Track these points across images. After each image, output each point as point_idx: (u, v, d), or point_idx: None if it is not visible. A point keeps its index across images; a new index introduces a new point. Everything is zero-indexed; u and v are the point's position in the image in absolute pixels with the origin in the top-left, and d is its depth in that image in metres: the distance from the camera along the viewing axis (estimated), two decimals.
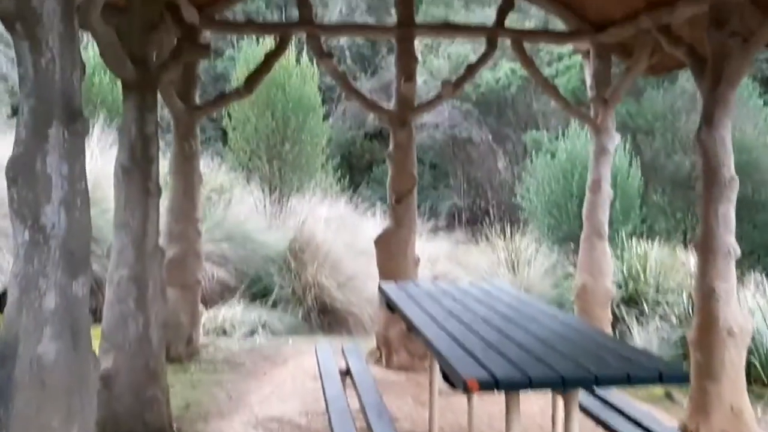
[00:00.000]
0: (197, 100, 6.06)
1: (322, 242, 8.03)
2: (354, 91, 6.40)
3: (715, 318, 4.50)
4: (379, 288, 4.59)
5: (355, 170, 19.76)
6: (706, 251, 4.57)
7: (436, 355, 2.95)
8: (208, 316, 6.78)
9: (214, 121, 14.17)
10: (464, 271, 11.59)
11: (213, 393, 5.07)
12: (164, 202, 6.11)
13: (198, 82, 6.08)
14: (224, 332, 6.60)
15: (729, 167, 4.60)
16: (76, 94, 2.61)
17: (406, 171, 6.23)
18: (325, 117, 18.39)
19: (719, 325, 4.50)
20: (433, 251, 13.29)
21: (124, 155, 4.24)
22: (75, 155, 2.59)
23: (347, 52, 23.14)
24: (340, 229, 11.33)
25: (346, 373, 4.24)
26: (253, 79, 6.14)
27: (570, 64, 17.26)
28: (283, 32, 6.18)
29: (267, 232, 8.66)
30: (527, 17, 18.20)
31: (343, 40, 23.09)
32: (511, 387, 2.51)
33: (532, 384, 2.48)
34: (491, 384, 2.45)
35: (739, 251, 4.62)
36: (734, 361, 4.54)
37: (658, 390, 6.38)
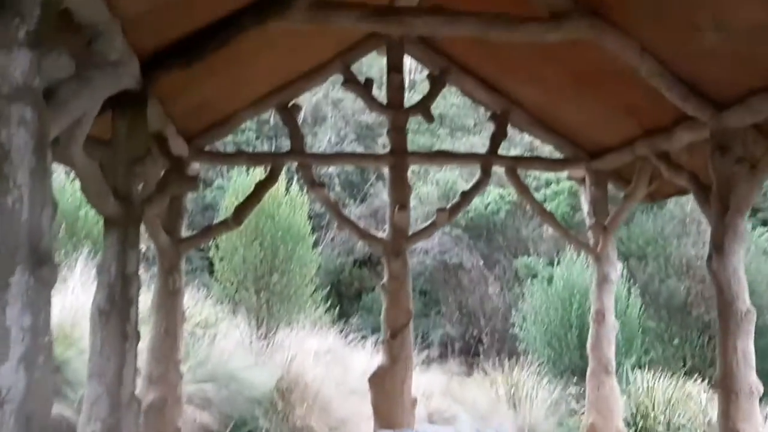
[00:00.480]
0: (183, 232, 5.83)
1: (311, 381, 7.58)
2: (346, 220, 6.23)
3: None
4: None
5: (344, 298, 19.39)
6: (728, 391, 4.24)
7: None
8: None
9: (201, 250, 13.93)
10: (462, 408, 11.02)
11: None
12: (144, 341, 5.75)
13: (184, 213, 5.88)
14: None
15: (744, 299, 4.35)
16: (45, 235, 2.34)
17: (401, 304, 5.94)
18: (315, 244, 18.32)
19: None
20: (427, 385, 12.72)
21: (101, 296, 3.93)
22: (40, 305, 2.28)
23: (336, 180, 23.40)
24: (330, 364, 10.86)
25: None
26: (242, 209, 5.96)
27: (558, 189, 17.41)
28: (273, 162, 6.06)
29: (253, 370, 8.18)
30: (512, 144, 18.54)
31: (332, 168, 23.43)
32: None
33: None
34: None
35: (762, 389, 4.29)
36: None
37: None
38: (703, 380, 10.03)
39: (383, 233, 6.16)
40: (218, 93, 5.57)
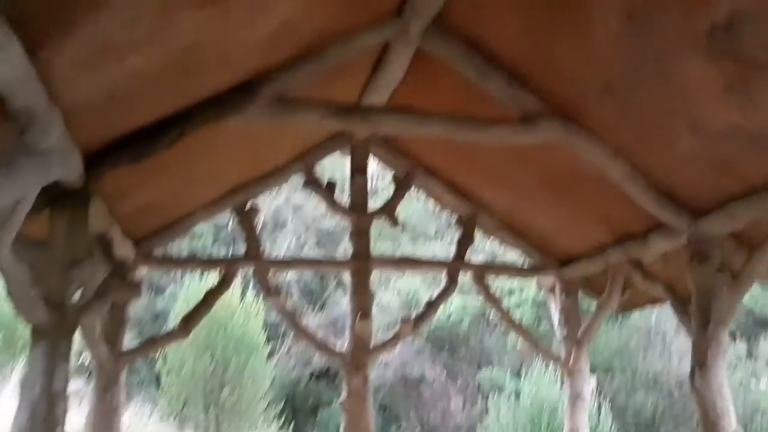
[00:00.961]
0: (127, 343, 5.34)
1: None
2: (303, 330, 5.81)
3: None
4: None
5: (299, 413, 18.44)
6: None
7: None
8: None
9: (150, 361, 13.16)
10: None
11: None
12: None
13: (127, 322, 5.41)
14: None
15: (730, 419, 4.05)
16: None
17: (361, 424, 5.45)
18: (270, 355, 17.56)
19: None
20: None
21: (23, 416, 3.44)
22: None
23: (294, 287, 22.86)
24: None
25: None
26: (191, 318, 5.51)
27: (522, 299, 17.18)
28: (227, 268, 5.69)
29: None
30: (474, 252, 18.42)
31: (290, 275, 22.92)
32: None
33: None
34: None
35: None
36: None
37: None
38: None
39: (343, 345, 5.76)
40: (169, 193, 5.26)
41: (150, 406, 10.96)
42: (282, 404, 18.83)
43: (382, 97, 4.88)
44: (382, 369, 19.44)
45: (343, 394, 5.60)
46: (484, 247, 18.54)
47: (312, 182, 5.88)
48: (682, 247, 4.38)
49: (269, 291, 5.65)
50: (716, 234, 4.14)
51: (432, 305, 5.93)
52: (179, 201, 5.51)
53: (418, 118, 4.22)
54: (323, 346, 5.79)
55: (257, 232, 5.76)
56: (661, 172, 4.20)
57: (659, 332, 13.83)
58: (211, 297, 5.59)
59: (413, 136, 4.63)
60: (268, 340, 11.73)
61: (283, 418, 16.40)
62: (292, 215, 23.80)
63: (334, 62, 4.14)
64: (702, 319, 4.11)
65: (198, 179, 5.29)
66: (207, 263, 5.86)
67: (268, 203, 23.58)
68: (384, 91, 4.83)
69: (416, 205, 24.13)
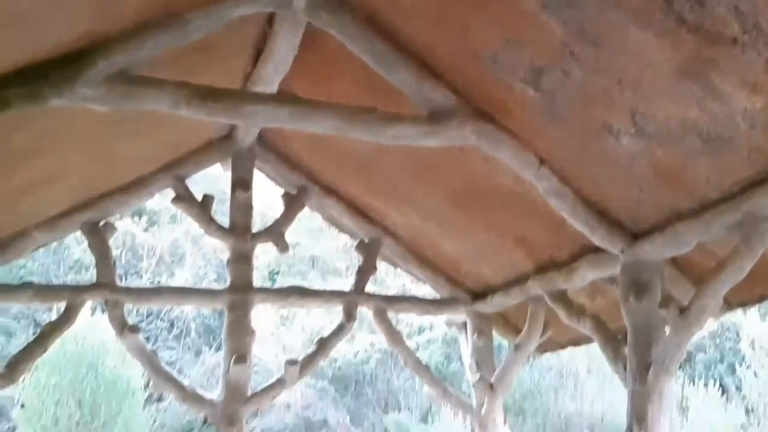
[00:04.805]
0: None
1: None
2: (167, 376, 4.77)
3: None
4: None
5: None
6: None
7: None
8: None
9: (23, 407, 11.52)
10: None
11: None
12: None
13: None
14: None
15: None
16: None
17: None
18: (158, 399, 16.07)
19: None
20: None
21: None
22: None
23: (192, 324, 21.38)
24: None
25: None
26: (19, 361, 4.38)
27: (432, 337, 16.46)
28: (71, 298, 4.61)
29: None
30: (384, 287, 17.64)
31: (188, 310, 21.37)
32: None
33: None
34: None
35: None
36: None
37: None
38: None
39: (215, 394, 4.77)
40: None
41: None
42: None
43: (270, 88, 4.01)
44: (282, 412, 18.23)
45: None
46: (394, 281, 17.86)
47: (183, 197, 4.91)
48: (616, 277, 3.68)
49: (122, 327, 4.61)
50: (657, 260, 3.46)
51: (323, 344, 5.03)
52: (11, 214, 4.44)
53: (303, 108, 3.38)
54: (190, 396, 4.76)
55: (111, 255, 4.73)
56: (593, 183, 3.50)
57: (571, 372, 13.36)
58: (47, 335, 4.50)
59: (295, 129, 3.77)
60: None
61: None
62: (192, 247, 22.42)
63: (201, 35, 3.26)
64: (640, 364, 3.40)
65: (31, 186, 4.23)
66: (45, 292, 4.75)
67: (167, 236, 22.19)
68: (272, 80, 3.97)
69: (328, 241, 23.26)
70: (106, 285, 4.64)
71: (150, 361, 4.73)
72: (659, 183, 3.20)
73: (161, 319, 20.64)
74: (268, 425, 18.46)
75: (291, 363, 4.91)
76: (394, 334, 5.32)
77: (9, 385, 4.37)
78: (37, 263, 17.70)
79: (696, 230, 3.17)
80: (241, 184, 5.00)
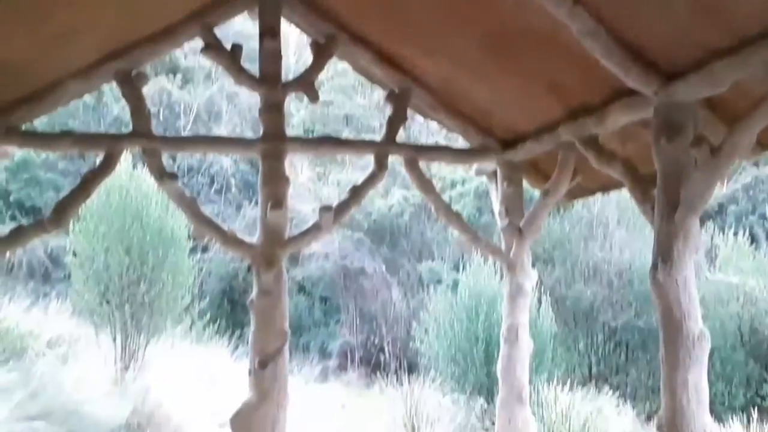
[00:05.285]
0: None
1: (172, 412, 6.26)
2: (206, 221, 4.97)
3: None
4: None
5: (237, 306, 17.97)
6: None
7: None
8: None
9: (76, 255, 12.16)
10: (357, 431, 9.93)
11: None
12: None
13: None
14: None
15: (696, 319, 3.44)
16: None
17: (274, 325, 4.77)
18: (204, 249, 16.77)
19: None
20: (322, 401, 11.59)
21: None
22: None
23: (232, 179, 21.86)
24: (206, 388, 9.52)
25: None
26: (65, 207, 4.60)
27: (463, 191, 16.65)
28: (109, 147, 4.75)
29: (105, 400, 6.79)
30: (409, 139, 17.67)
31: (227, 165, 21.77)
32: None
33: None
34: None
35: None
36: None
37: None
38: (613, 391, 9.40)
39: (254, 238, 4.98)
40: (31, 52, 4.24)
41: (61, 303, 10.17)
42: (219, 296, 18.48)
43: None
44: (321, 261, 18.98)
45: (254, 292, 4.89)
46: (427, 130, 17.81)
47: (212, 46, 4.89)
48: (648, 120, 3.64)
49: (161, 175, 4.77)
50: (690, 101, 3.40)
51: (356, 192, 5.14)
52: (46, 63, 4.50)
53: None
54: (229, 239, 4.98)
55: (145, 105, 4.80)
56: (627, 22, 3.39)
57: (601, 223, 13.51)
58: (90, 182, 4.68)
59: None
60: None
61: (218, 313, 15.92)
62: (227, 105, 22.46)
63: None
64: (668, 204, 3.43)
65: (66, 36, 4.26)
66: (84, 141, 4.90)
67: (202, 93, 22.21)
68: None
69: (361, 100, 23.06)
70: (142, 134, 4.75)
71: (190, 206, 4.92)
72: (696, 20, 3.09)
73: (202, 174, 21.16)
74: (309, 273, 19.31)
75: (325, 209, 5.06)
76: (425, 183, 5.39)
77: (58, 230, 4.60)
78: (77, 120, 18.06)
79: (732, 68, 3.09)
80: (269, 31, 4.94)
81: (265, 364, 4.67)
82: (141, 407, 6.18)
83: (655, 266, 3.46)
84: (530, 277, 5.30)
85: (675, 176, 3.41)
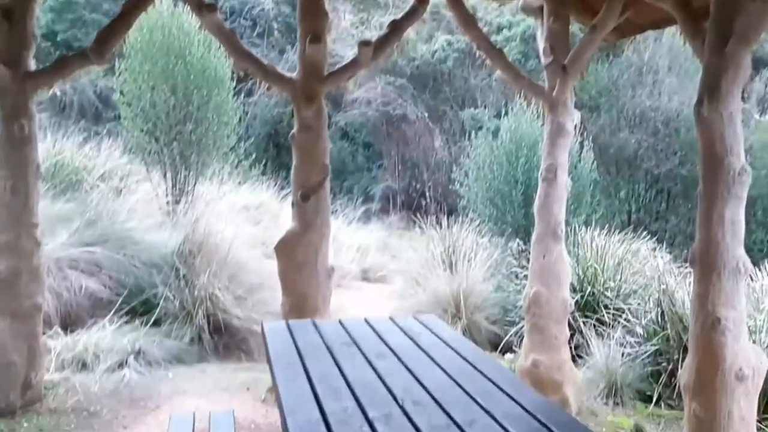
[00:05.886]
0: (32, 65, 4.54)
1: (221, 243, 6.61)
2: (245, 54, 4.97)
3: (719, 357, 3.36)
4: (262, 330, 3.24)
5: (282, 150, 18.28)
6: (708, 268, 3.40)
7: None
8: (66, 343, 5.32)
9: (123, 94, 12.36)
10: (396, 265, 10.37)
11: None
12: None
13: (34, 40, 4.55)
14: (84, 365, 5.14)
15: (739, 154, 3.41)
16: None
17: (315, 160, 4.89)
18: (248, 93, 16.82)
19: (725, 367, 3.36)
20: (365, 241, 12.03)
21: None
22: None
23: (274, 23, 21.48)
24: (253, 223, 9.94)
25: None
26: (106, 37, 4.63)
27: (510, 35, 16.12)
28: None
29: (157, 231, 7.17)
30: None
31: (269, 8, 21.33)
32: None
33: None
34: None
35: (750, 266, 3.47)
36: (745, 415, 3.41)
37: (625, 421, 5.28)
38: (650, 237, 9.51)
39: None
40: None
41: (112, 141, 10.48)
42: (264, 139, 18.76)
43: None
44: (364, 107, 18.94)
45: (295, 127, 4.97)
46: None
47: None
48: None
49: (200, 7, 4.72)
50: None
51: (396, 27, 5.05)
52: None
53: None
54: (269, 73, 5.00)
55: None
56: None
57: (651, 70, 13.03)
58: (129, 14, 4.66)
59: None
60: (247, 77, 10.91)
61: (265, 154, 16.25)
62: None
63: None
64: (719, 36, 3.31)
65: None
66: None
67: None
68: None
69: None
70: None
71: (229, 39, 4.91)
72: None
73: (244, 17, 20.81)
74: (351, 119, 19.36)
75: (364, 44, 5.00)
76: (468, 19, 5.23)
77: (101, 62, 4.63)
78: None
79: None
80: None
81: (307, 197, 4.84)
82: (192, 236, 6.51)
83: (700, 101, 3.40)
84: (572, 117, 5.24)
85: (729, 6, 3.26)
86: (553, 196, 5.23)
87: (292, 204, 4.95)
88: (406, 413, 2.14)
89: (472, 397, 2.28)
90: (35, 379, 4.51)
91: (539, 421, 2.10)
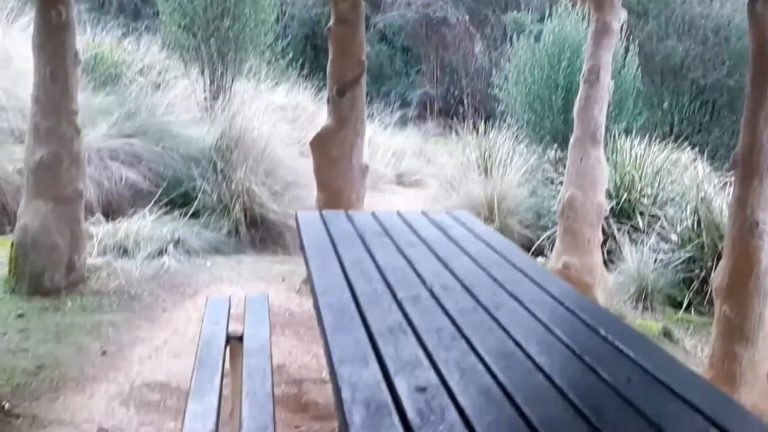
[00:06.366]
0: None
1: (259, 139, 6.64)
2: None
3: (754, 261, 3.36)
4: (296, 219, 3.29)
5: (320, 52, 18.02)
6: (749, 172, 3.34)
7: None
8: (107, 230, 5.49)
9: None
10: (431, 170, 10.36)
11: (83, 346, 3.84)
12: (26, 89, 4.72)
13: None
14: (125, 252, 5.32)
15: None
16: None
17: (351, 54, 4.83)
18: None
19: (760, 271, 3.36)
20: (400, 145, 11.99)
21: None
22: None
23: None
24: (290, 122, 9.94)
25: (239, 338, 2.99)
26: None
27: None
28: None
29: (195, 125, 7.23)
30: None
31: None
32: None
33: None
34: None
35: None
36: None
37: (653, 324, 5.33)
38: (693, 148, 9.29)
39: None
40: None
41: (151, 37, 10.43)
42: (302, 41, 18.48)
43: None
44: (403, 9, 18.46)
45: (331, 20, 4.89)
46: None
47: None
48: None
49: None
50: None
51: None
52: None
53: None
54: None
55: None
56: None
57: None
58: None
59: None
60: None
61: (302, 54, 16.03)
62: None
63: None
64: None
65: None
66: None
67: None
68: None
69: None
70: None
71: None
72: None
73: None
74: (390, 21, 18.91)
75: None
76: None
77: None
78: None
79: None
80: None
81: (343, 93, 4.80)
82: (229, 132, 6.55)
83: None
84: (618, 16, 5.06)
85: None
86: (594, 99, 5.11)
87: (328, 100, 4.93)
88: (434, 295, 2.18)
89: (500, 284, 2.31)
90: (78, 261, 4.69)
91: (566, 307, 2.12)
